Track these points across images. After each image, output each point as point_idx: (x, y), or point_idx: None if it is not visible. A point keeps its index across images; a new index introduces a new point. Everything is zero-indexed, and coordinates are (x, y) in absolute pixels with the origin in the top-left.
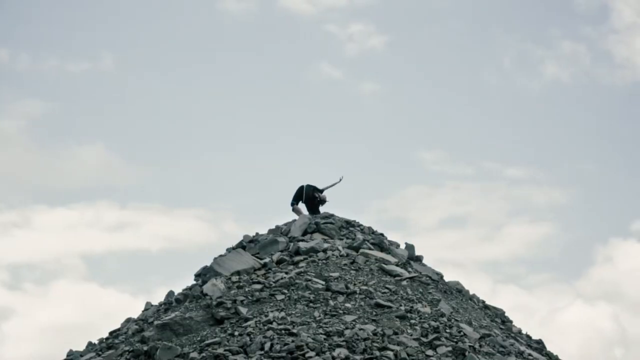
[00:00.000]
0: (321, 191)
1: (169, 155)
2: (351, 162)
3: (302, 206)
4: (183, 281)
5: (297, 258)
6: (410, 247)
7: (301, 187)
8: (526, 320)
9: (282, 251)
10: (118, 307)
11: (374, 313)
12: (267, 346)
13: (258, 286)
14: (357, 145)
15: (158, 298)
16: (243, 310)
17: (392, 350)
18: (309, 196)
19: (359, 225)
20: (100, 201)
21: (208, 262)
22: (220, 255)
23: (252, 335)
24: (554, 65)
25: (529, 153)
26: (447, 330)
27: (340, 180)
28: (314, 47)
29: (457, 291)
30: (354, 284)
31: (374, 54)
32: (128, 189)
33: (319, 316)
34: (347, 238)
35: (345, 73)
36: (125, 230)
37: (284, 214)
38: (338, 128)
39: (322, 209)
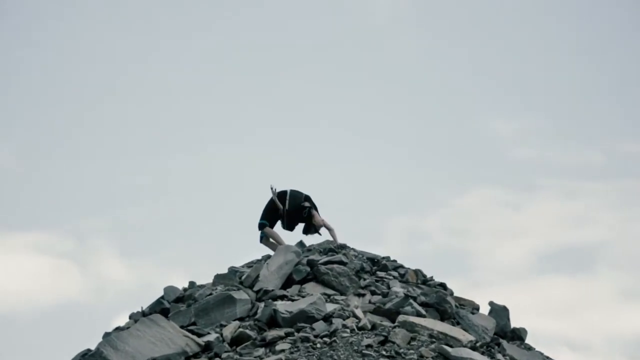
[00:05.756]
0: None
1: None
2: (361, 149)
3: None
4: None
5: (272, 333)
6: (499, 311)
7: (280, 195)
8: None
9: (242, 319)
10: None
11: None
12: None
13: None
14: (371, 114)
15: None
16: None
17: None
18: (296, 206)
19: (396, 267)
20: None
21: (89, 341)
22: (117, 329)
23: None
24: None
25: None
26: None
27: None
28: None
29: None
30: None
31: None
32: None
33: None
34: (373, 293)
35: None
36: None
37: (244, 246)
38: (338, 82)
39: (315, 237)
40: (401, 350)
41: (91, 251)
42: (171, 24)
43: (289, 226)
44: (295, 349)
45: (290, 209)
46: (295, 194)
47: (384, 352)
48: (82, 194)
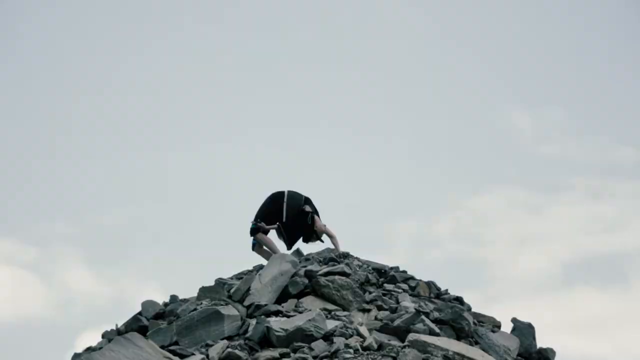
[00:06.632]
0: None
1: None
2: (364, 147)
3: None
4: None
5: (265, 354)
6: (523, 329)
7: (277, 196)
8: None
9: (231, 338)
10: None
11: None
12: None
13: None
14: (375, 109)
15: None
16: None
17: None
18: (295, 210)
19: (406, 279)
20: None
21: None
22: (89, 349)
23: None
24: None
25: None
26: None
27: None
28: None
29: None
30: None
31: None
32: None
33: None
34: (380, 308)
35: None
36: None
37: (233, 255)
38: (340, 79)
39: (315, 245)
40: None
41: (56, 260)
42: (172, 22)
43: (290, 240)
44: None
45: (288, 216)
46: (294, 195)
47: None
48: (47, 196)
